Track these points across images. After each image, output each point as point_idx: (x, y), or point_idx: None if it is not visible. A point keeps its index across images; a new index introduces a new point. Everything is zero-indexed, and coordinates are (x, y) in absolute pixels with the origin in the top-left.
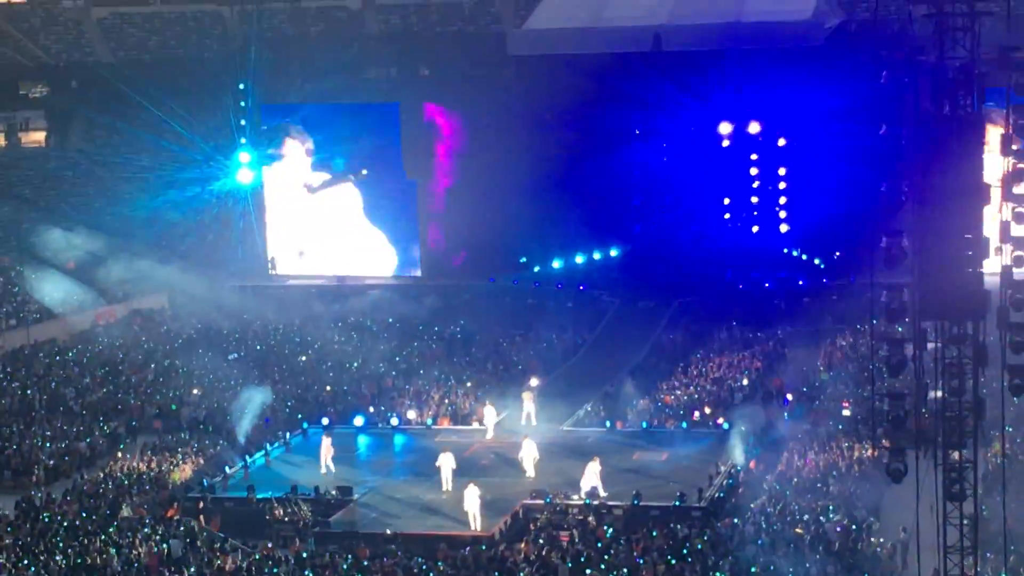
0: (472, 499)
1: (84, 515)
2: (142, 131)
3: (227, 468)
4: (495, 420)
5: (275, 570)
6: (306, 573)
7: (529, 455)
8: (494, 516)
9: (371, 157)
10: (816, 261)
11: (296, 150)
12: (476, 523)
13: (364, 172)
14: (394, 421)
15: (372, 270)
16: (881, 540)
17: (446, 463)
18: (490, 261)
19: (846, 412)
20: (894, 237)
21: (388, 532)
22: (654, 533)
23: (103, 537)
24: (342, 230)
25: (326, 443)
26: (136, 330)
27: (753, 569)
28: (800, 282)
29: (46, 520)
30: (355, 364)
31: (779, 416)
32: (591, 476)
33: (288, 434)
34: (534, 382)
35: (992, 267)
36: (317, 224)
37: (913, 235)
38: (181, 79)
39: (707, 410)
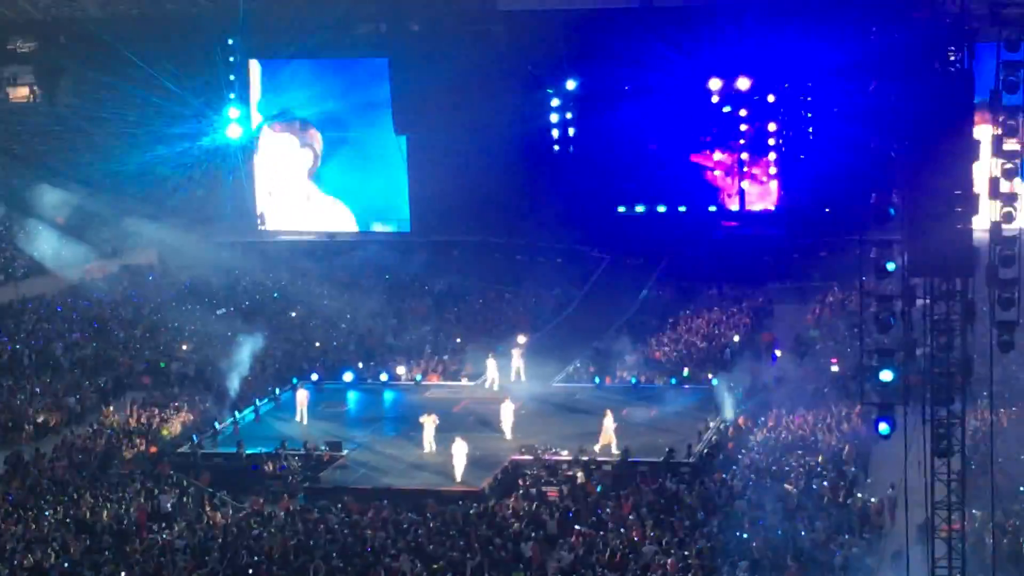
0: (459, 453)
1: (74, 471)
2: (131, 86)
3: (216, 424)
4: (496, 373)
5: (265, 525)
6: (296, 528)
7: (507, 417)
8: (483, 472)
9: (360, 112)
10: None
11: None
12: (458, 475)
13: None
14: (383, 377)
15: (360, 226)
16: (869, 496)
17: (428, 423)
18: (478, 217)
19: (834, 368)
20: (884, 193)
21: (377, 487)
22: (643, 489)
23: (92, 493)
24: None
25: (302, 394)
26: (125, 285)
27: (742, 523)
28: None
29: (35, 476)
30: (344, 320)
31: (768, 372)
32: (608, 431)
33: (277, 390)
34: (521, 339)
35: (981, 223)
36: (304, 180)
37: (903, 192)
38: (170, 34)
39: (695, 367)
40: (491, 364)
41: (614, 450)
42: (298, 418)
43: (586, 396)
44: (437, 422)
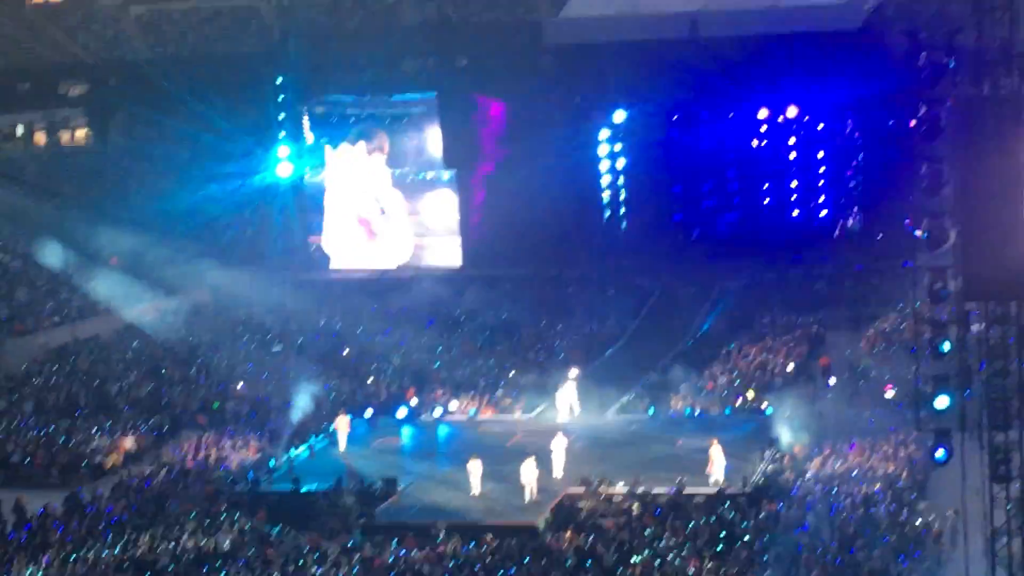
0: (475, 471)
1: (131, 510)
2: (182, 126)
3: (272, 461)
4: (572, 400)
5: (322, 562)
6: (353, 565)
7: (558, 453)
8: (539, 505)
9: (411, 148)
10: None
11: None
12: (475, 491)
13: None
14: (437, 412)
15: (414, 261)
16: (928, 523)
17: (475, 468)
18: (529, 250)
19: (889, 394)
20: (936, 219)
21: (433, 522)
22: (698, 521)
23: (151, 532)
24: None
25: (342, 421)
26: (179, 325)
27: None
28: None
29: (94, 515)
30: (397, 356)
31: (823, 400)
32: (718, 460)
33: (332, 426)
34: (573, 373)
35: None
36: (359, 216)
37: (955, 217)
38: (219, 74)
39: (750, 395)
40: (566, 391)
41: (721, 479)
42: (341, 447)
43: (641, 427)
44: (482, 467)
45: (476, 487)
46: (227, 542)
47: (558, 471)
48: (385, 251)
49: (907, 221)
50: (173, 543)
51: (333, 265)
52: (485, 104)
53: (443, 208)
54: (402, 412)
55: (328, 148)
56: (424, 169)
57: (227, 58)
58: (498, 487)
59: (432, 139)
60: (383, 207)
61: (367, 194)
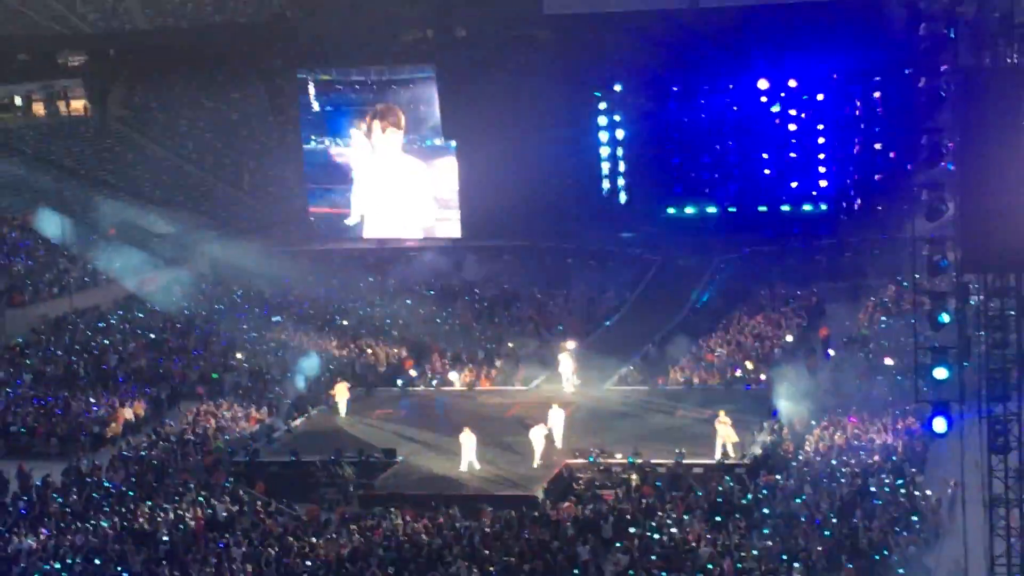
0: (468, 444)
1: (131, 480)
2: (181, 97)
3: (271, 432)
4: (572, 370)
5: (321, 533)
6: (352, 535)
7: (556, 424)
8: (538, 476)
9: (409, 119)
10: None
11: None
12: (464, 466)
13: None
14: (436, 383)
15: (413, 232)
16: (927, 494)
17: (467, 441)
18: (528, 221)
19: (889, 361)
20: (935, 191)
21: (432, 493)
22: (698, 492)
23: (150, 502)
24: (383, 193)
25: (341, 387)
26: (178, 296)
27: (798, 524)
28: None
29: (92, 486)
30: (396, 326)
31: (822, 372)
32: (727, 433)
33: (331, 392)
34: (571, 344)
35: None
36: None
37: (955, 188)
38: (218, 45)
39: (749, 366)
40: (565, 360)
41: (731, 452)
42: (340, 413)
43: (640, 399)
44: (474, 438)
45: (466, 461)
46: (224, 513)
47: (557, 442)
48: (408, 221)
49: (913, 191)
50: (172, 514)
51: (366, 235)
52: (484, 75)
53: (447, 177)
54: (400, 383)
55: (353, 130)
56: (431, 136)
57: (226, 29)
58: (497, 458)
59: (437, 105)
60: (402, 179)
61: (388, 168)
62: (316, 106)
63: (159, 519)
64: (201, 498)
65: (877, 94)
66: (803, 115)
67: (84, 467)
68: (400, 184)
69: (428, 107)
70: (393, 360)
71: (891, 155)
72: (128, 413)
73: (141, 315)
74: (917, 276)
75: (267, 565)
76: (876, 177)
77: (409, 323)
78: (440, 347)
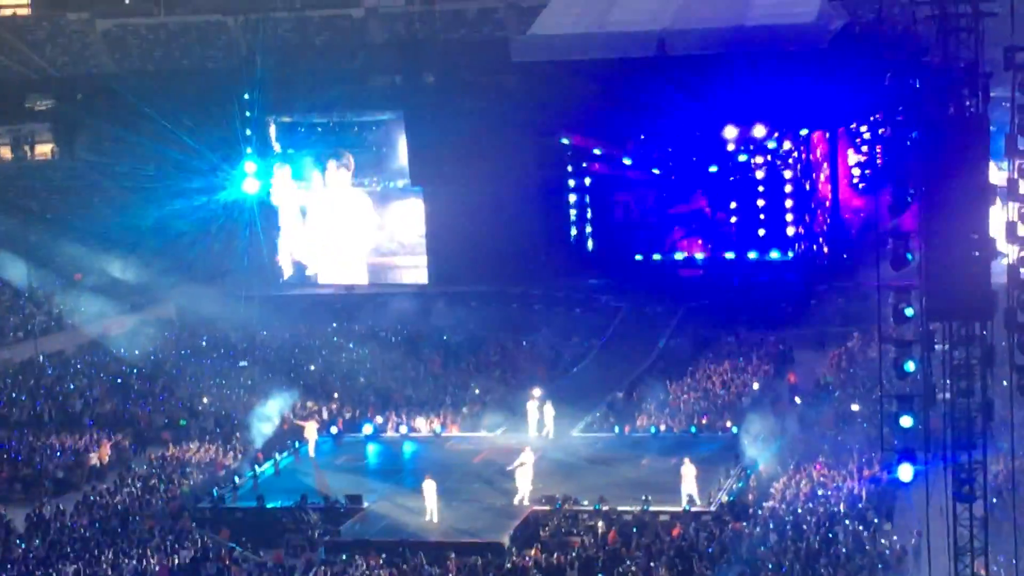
0: (430, 492)
1: (95, 526)
2: (148, 142)
3: (236, 478)
4: (546, 419)
5: None
6: None
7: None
8: (504, 523)
9: (377, 165)
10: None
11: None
12: (430, 515)
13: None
14: (403, 429)
15: (380, 278)
16: (892, 543)
17: (429, 490)
18: (495, 268)
19: (855, 407)
20: (901, 239)
21: (398, 540)
22: (663, 539)
23: (114, 548)
24: (349, 239)
25: (311, 426)
26: (144, 341)
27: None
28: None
29: (56, 532)
30: (363, 372)
31: (788, 419)
32: (689, 481)
33: (297, 443)
34: (537, 392)
35: (999, 268)
36: (325, 233)
37: (920, 237)
38: (186, 89)
39: (715, 415)
40: (548, 410)
41: (697, 500)
42: (310, 453)
43: (606, 446)
44: (434, 488)
45: (430, 510)
46: (190, 559)
47: (523, 490)
48: (354, 266)
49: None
50: (137, 560)
51: (321, 280)
52: (452, 122)
53: (412, 220)
54: (367, 429)
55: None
56: (394, 178)
57: (194, 74)
58: (464, 504)
59: (402, 148)
60: (352, 223)
61: (338, 211)
62: (277, 147)
63: (123, 565)
64: (166, 544)
65: (843, 144)
66: (770, 163)
67: (48, 512)
68: (346, 225)
69: (390, 149)
70: (360, 406)
71: (856, 202)
72: (94, 458)
73: (107, 360)
74: (883, 324)
75: None
76: (843, 225)
77: (375, 369)
78: (407, 393)
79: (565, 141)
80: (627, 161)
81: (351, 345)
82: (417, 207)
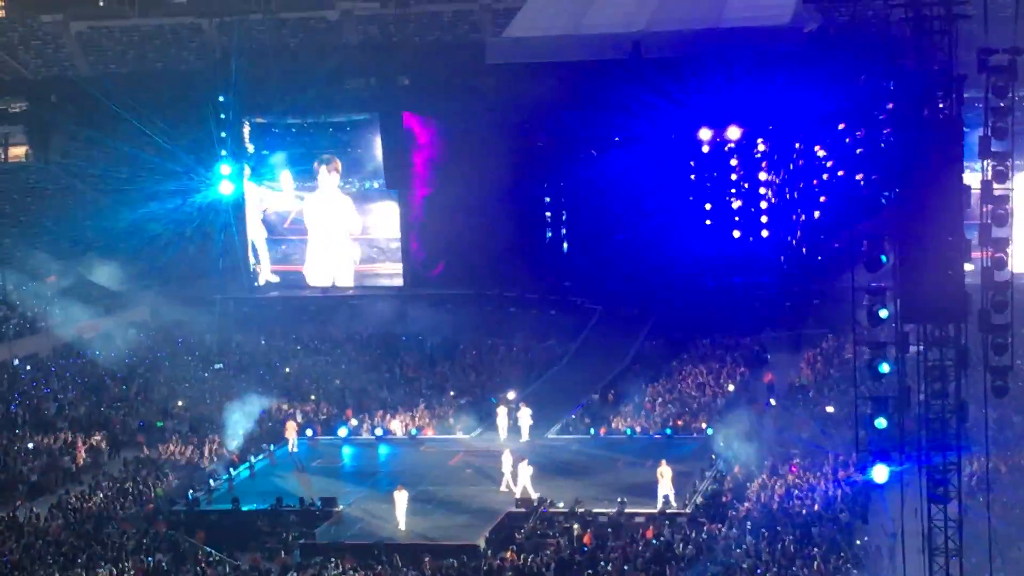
0: (401, 502)
1: (69, 530)
2: (122, 144)
3: (212, 481)
4: (523, 422)
5: None
6: None
7: (507, 469)
8: (480, 525)
9: (351, 168)
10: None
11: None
12: (402, 524)
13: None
14: (378, 431)
15: (355, 281)
16: (867, 544)
17: (400, 500)
18: (470, 271)
19: (829, 409)
20: (875, 241)
21: (373, 542)
22: (638, 541)
23: (88, 552)
24: (324, 242)
25: (291, 426)
26: (118, 343)
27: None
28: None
29: (31, 536)
30: (338, 375)
31: (764, 421)
32: (665, 483)
33: (272, 446)
34: (511, 394)
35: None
36: (300, 236)
37: (894, 239)
38: (161, 92)
39: (690, 417)
40: (524, 414)
41: (672, 501)
42: (289, 448)
43: (582, 448)
44: (406, 496)
45: (401, 520)
46: (164, 563)
47: (505, 487)
48: (338, 269)
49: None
50: (111, 564)
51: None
52: (427, 124)
53: (387, 222)
54: (343, 432)
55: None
56: (370, 179)
57: (168, 76)
58: (439, 507)
59: (377, 149)
60: (334, 223)
61: (326, 215)
62: (251, 148)
63: (98, 570)
64: (141, 548)
65: (818, 146)
66: (744, 165)
67: (22, 516)
68: (336, 228)
69: (365, 151)
70: (335, 409)
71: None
72: (68, 461)
73: (81, 363)
74: (858, 326)
75: None
76: (817, 228)
77: (351, 371)
78: (382, 396)
79: (539, 143)
80: (601, 163)
81: (326, 348)
82: (388, 208)
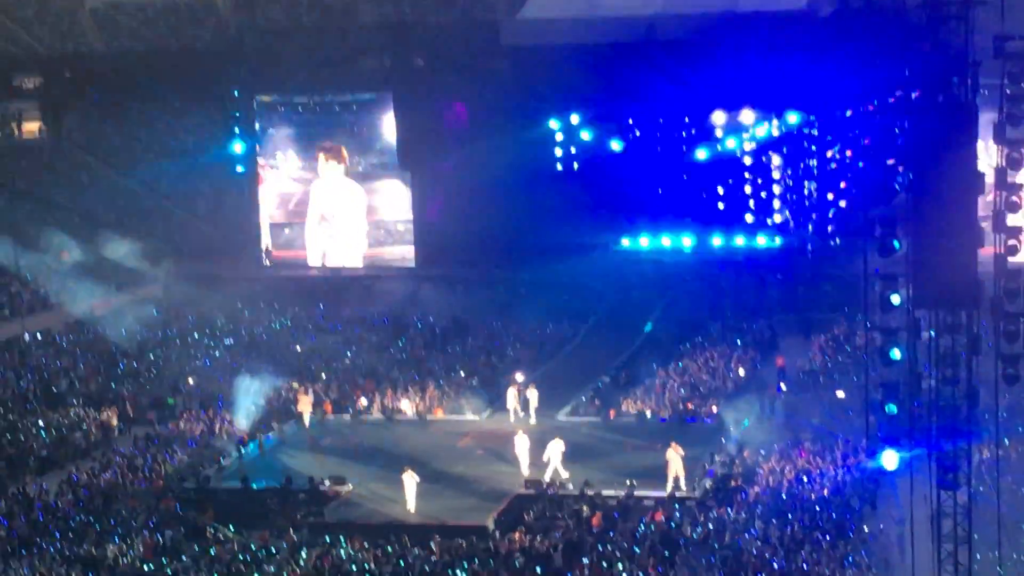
0: (410, 484)
1: (79, 505)
2: (136, 121)
3: (221, 458)
4: (531, 404)
5: (270, 560)
6: (301, 563)
7: (522, 451)
8: (489, 506)
9: (359, 146)
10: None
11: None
12: (411, 506)
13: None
14: (388, 411)
15: (370, 259)
16: (875, 525)
17: (409, 481)
18: (482, 251)
19: (840, 394)
20: (888, 227)
21: (382, 522)
22: (648, 524)
23: (98, 527)
24: (338, 221)
25: (306, 400)
26: (130, 320)
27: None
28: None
29: (40, 511)
30: (349, 355)
31: (774, 405)
32: (674, 466)
33: (282, 424)
34: (519, 377)
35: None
36: (313, 215)
37: (907, 224)
38: (175, 69)
39: (700, 400)
40: (532, 394)
41: (683, 485)
42: (304, 423)
43: (592, 430)
44: (417, 479)
45: (411, 502)
46: (174, 539)
47: (524, 470)
48: (345, 251)
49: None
50: (120, 540)
51: (310, 262)
52: (441, 104)
53: (395, 203)
54: (352, 411)
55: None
56: (376, 159)
57: (182, 53)
58: (448, 488)
59: (386, 126)
60: (341, 209)
61: (329, 197)
62: (256, 127)
63: (107, 545)
64: (150, 524)
65: (831, 131)
66: (758, 149)
67: (32, 491)
68: (342, 212)
69: (371, 130)
70: (345, 388)
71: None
72: (78, 437)
73: (92, 339)
74: (869, 312)
75: None
76: (830, 212)
77: (361, 351)
78: (392, 376)
79: (556, 126)
80: (616, 145)
81: (338, 327)
82: (398, 188)
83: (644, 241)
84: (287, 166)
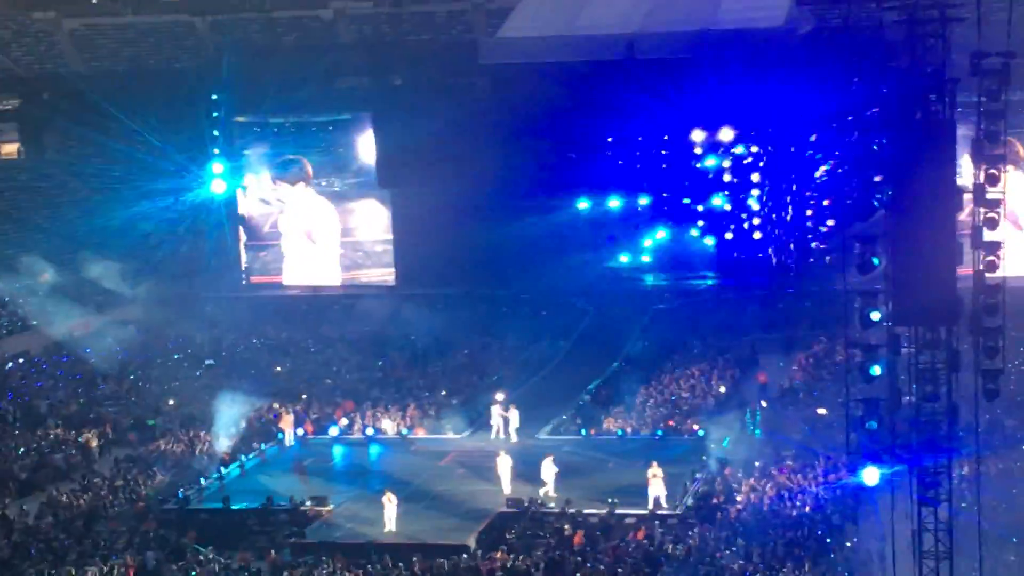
0: (390, 506)
1: (59, 527)
2: (115, 142)
3: (202, 479)
4: (511, 422)
5: None
6: None
7: (504, 471)
8: (471, 525)
9: (334, 165)
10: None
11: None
12: (391, 526)
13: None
14: (369, 431)
15: (347, 280)
16: (856, 541)
17: (389, 503)
18: (463, 270)
19: (821, 411)
20: (867, 244)
21: (363, 542)
22: (629, 542)
23: (79, 550)
24: (316, 241)
25: (288, 419)
26: (110, 341)
27: None
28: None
29: (20, 534)
30: (329, 374)
31: (755, 422)
32: (656, 484)
33: (263, 444)
34: (500, 395)
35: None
36: (291, 235)
37: (887, 241)
38: (154, 90)
39: (682, 418)
40: (514, 414)
41: (664, 503)
42: (287, 441)
43: (573, 448)
44: (395, 501)
45: (391, 524)
46: (155, 560)
47: (506, 488)
48: (322, 270)
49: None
50: (102, 561)
51: (285, 281)
52: (420, 123)
53: (373, 224)
54: (334, 431)
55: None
56: (352, 178)
57: (161, 74)
58: (430, 507)
59: (362, 146)
60: (314, 229)
61: (301, 217)
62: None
63: (88, 567)
64: (132, 546)
65: (810, 148)
66: (736, 167)
67: (12, 513)
68: (315, 233)
69: (347, 149)
70: (326, 408)
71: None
72: (58, 459)
73: (72, 361)
74: (849, 329)
75: None
76: (809, 230)
77: (342, 371)
78: (373, 395)
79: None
80: (594, 164)
81: (318, 347)
82: (375, 208)
83: (624, 258)
84: (260, 187)
